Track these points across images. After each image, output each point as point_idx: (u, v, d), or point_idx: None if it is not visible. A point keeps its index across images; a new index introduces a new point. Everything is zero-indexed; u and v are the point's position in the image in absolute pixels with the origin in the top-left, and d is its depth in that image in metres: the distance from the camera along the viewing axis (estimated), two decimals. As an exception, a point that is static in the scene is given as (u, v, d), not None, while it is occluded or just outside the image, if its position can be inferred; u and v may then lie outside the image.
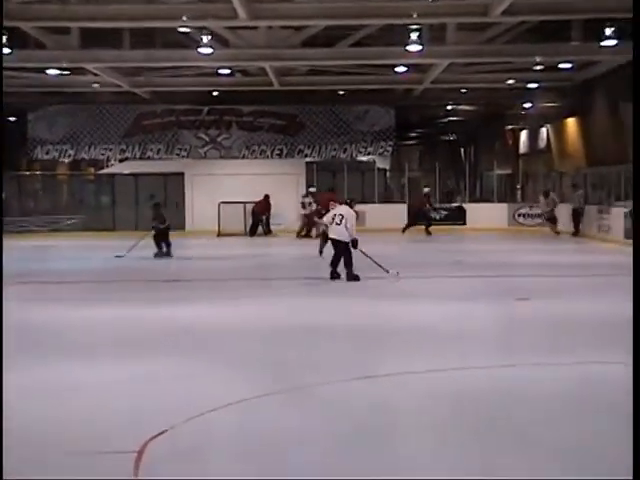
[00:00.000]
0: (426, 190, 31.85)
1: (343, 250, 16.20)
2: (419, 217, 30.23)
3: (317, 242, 21.63)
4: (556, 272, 17.75)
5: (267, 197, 30.47)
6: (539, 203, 30.65)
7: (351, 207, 16.94)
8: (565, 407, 7.27)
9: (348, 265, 16.12)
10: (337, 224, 16.35)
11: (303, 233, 29.47)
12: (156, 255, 21.85)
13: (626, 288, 15.74)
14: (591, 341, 10.26)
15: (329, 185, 30.87)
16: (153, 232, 22.31)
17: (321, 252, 20.19)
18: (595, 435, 6.42)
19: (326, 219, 16.95)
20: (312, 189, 30.78)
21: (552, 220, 29.10)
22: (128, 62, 25.89)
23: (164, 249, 22.05)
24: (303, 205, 29.93)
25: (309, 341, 10.44)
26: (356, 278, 16.01)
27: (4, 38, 20.75)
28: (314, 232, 28.31)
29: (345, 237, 16.24)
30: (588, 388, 7.86)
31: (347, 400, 7.54)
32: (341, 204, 18.39)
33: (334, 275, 16.28)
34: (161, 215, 22.67)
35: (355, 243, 16.25)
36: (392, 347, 10.04)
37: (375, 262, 16.60)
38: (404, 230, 29.67)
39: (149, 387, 8.04)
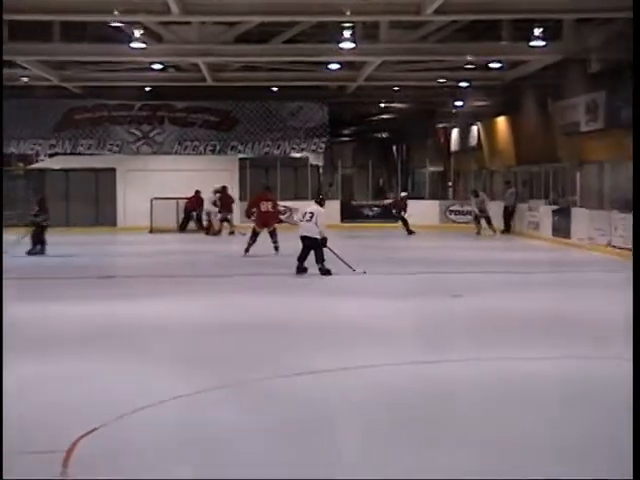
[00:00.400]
0: (403, 194, 31.85)
1: (313, 246, 16.47)
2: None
3: (241, 239, 21.74)
4: (489, 269, 17.97)
5: (198, 193, 30.22)
6: (470, 202, 30.48)
7: (321, 205, 17.13)
8: (493, 401, 7.38)
9: (320, 260, 16.42)
10: (307, 221, 16.61)
11: (216, 230, 29.26)
12: (30, 252, 21.06)
13: (554, 284, 16.10)
14: (521, 337, 10.41)
15: (263, 181, 30.78)
16: (33, 227, 21.54)
17: (247, 250, 20.11)
18: (519, 428, 6.52)
19: (297, 217, 17.39)
20: (217, 186, 29.93)
21: (487, 220, 28.45)
22: (59, 56, 25.58)
23: (38, 246, 21.27)
24: (215, 203, 29.44)
25: (245, 337, 10.42)
26: (328, 272, 16.34)
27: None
28: (217, 227, 28.92)
29: (315, 234, 16.45)
30: (518, 383, 7.97)
31: (284, 396, 7.56)
32: (268, 201, 20.41)
33: (301, 269, 16.56)
34: (46, 210, 21.93)
35: (324, 241, 16.47)
36: (329, 343, 10.08)
37: (342, 260, 16.72)
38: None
39: (79, 385, 7.96)
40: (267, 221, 20.42)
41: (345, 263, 16.69)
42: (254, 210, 20.70)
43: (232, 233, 28.56)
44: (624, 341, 9.86)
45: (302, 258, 16.63)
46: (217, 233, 29.04)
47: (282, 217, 23.10)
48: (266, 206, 20.53)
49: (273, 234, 20.47)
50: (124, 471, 5.64)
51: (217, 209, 29.19)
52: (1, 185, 27.00)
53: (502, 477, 5.46)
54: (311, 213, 16.72)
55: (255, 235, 20.30)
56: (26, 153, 34.84)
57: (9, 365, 8.23)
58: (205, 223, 29.89)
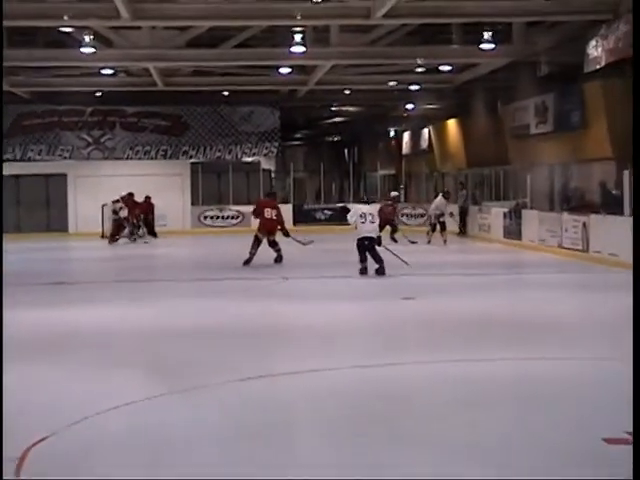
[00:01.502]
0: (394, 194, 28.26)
1: (371, 246, 16.77)
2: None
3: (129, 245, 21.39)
4: (441, 271, 18.11)
5: (148, 198, 30.00)
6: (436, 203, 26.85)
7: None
8: (449, 404, 7.45)
9: (380, 260, 16.71)
10: (371, 222, 16.90)
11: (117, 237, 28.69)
12: None
13: (506, 285, 16.25)
14: (473, 339, 10.48)
15: (212, 186, 30.65)
16: None
17: (249, 262, 18.81)
18: (474, 429, 6.58)
19: (352, 219, 17.11)
20: (123, 193, 29.02)
21: (443, 225, 25.92)
22: (7, 61, 25.27)
23: None
24: (114, 211, 28.48)
25: (200, 342, 10.41)
26: (384, 272, 16.62)
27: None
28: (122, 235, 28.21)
29: (375, 234, 16.98)
30: (470, 385, 8.03)
31: (241, 399, 7.57)
32: (273, 208, 19.22)
33: (364, 270, 16.78)
34: None
35: (380, 240, 17.09)
36: (282, 347, 10.14)
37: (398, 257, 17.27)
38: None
39: (30, 391, 7.91)
40: (271, 228, 19.23)
41: (401, 259, 17.47)
42: (259, 216, 19.53)
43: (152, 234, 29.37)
44: (580, 341, 10.06)
45: (364, 258, 16.78)
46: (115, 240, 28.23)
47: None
48: (270, 213, 19.26)
49: (274, 243, 19.29)
50: (76, 476, 5.61)
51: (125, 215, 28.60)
52: (1, 185, 26.69)
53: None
54: (371, 214, 17.08)
55: (258, 243, 19.03)
56: (-26, 160, 34.45)
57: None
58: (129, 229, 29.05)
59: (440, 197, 26.79)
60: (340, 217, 31.61)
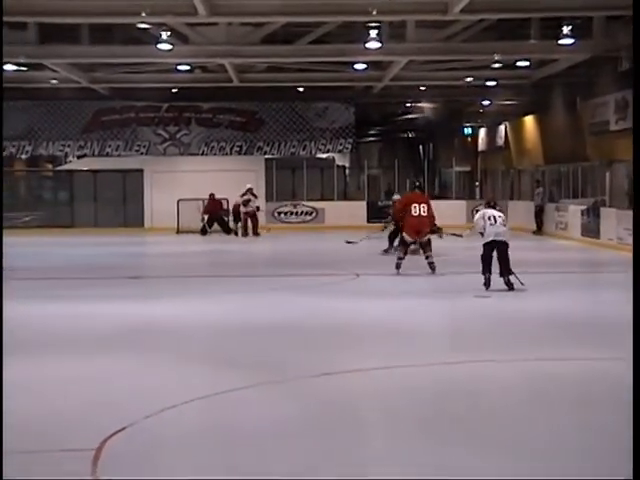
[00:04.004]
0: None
1: (504, 251, 14.15)
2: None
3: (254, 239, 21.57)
4: (517, 269, 17.82)
5: (212, 196, 29.81)
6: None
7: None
8: (523, 403, 7.33)
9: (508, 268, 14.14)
10: (503, 225, 14.27)
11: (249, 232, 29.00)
12: None
13: (584, 284, 15.98)
14: (548, 337, 10.33)
15: (287, 182, 30.66)
16: None
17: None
18: (549, 430, 6.46)
19: (479, 224, 14.30)
20: (249, 185, 29.40)
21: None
22: (87, 58, 25.70)
23: None
24: (245, 203, 28.79)
25: (272, 338, 10.40)
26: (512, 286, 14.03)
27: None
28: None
29: (507, 238, 14.41)
30: (544, 384, 7.91)
31: (308, 396, 7.55)
32: (421, 203, 16.47)
33: (489, 283, 14.09)
34: None
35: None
36: (353, 343, 10.07)
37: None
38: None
39: (106, 384, 7.97)
40: (420, 228, 16.41)
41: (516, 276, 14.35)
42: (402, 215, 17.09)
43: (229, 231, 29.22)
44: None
45: (488, 269, 14.12)
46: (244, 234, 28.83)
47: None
48: (418, 209, 16.52)
49: (427, 245, 16.47)
50: (152, 470, 5.64)
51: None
52: (1, 185, 27.10)
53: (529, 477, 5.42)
54: (501, 216, 14.43)
55: (405, 247, 16.69)
56: (55, 154, 35.05)
57: (44, 363, 8.28)
58: (234, 225, 29.54)
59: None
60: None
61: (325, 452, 5.99)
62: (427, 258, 16.31)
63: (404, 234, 16.54)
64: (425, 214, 16.42)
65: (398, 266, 16.21)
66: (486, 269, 14.13)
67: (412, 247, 16.92)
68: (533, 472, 5.57)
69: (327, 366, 8.57)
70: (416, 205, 16.48)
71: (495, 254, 14.14)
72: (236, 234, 29.10)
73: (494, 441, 6.21)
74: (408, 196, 18.26)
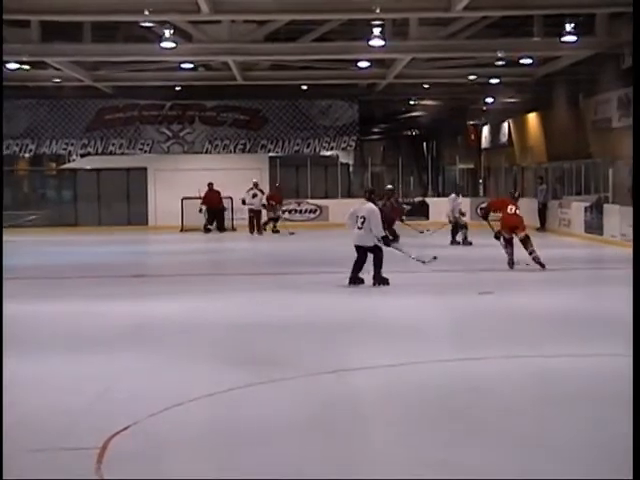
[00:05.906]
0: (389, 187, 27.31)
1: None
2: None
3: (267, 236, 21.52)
4: (520, 266, 17.82)
5: (210, 186, 29.38)
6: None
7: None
8: (529, 399, 7.34)
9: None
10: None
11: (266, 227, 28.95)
12: None
13: (588, 281, 15.98)
14: (553, 334, 10.34)
15: (291, 180, 30.61)
16: None
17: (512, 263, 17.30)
18: (559, 426, 6.46)
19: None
20: (254, 180, 29.15)
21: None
22: (90, 56, 25.70)
23: None
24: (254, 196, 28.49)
25: (281, 335, 10.42)
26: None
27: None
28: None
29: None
30: (552, 381, 7.91)
31: (315, 394, 7.56)
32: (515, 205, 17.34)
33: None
34: None
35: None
36: (361, 341, 10.06)
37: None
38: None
39: (111, 383, 7.98)
40: (516, 223, 17.08)
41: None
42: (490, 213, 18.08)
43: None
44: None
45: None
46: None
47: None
48: (513, 209, 17.28)
49: (526, 241, 16.96)
50: (157, 469, 5.65)
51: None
52: (1, 185, 27.16)
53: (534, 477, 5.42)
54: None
55: (508, 242, 17.11)
56: (58, 153, 35.08)
57: (48, 362, 8.29)
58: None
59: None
60: (420, 212, 31.43)
61: (332, 450, 5.99)
62: (531, 254, 16.76)
63: (501, 232, 17.11)
64: (518, 214, 17.18)
65: (510, 263, 16.93)
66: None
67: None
68: (543, 470, 5.56)
69: (337, 363, 8.58)
70: (512, 207, 17.20)
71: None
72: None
73: (505, 438, 6.20)
74: (502, 199, 18.96)
